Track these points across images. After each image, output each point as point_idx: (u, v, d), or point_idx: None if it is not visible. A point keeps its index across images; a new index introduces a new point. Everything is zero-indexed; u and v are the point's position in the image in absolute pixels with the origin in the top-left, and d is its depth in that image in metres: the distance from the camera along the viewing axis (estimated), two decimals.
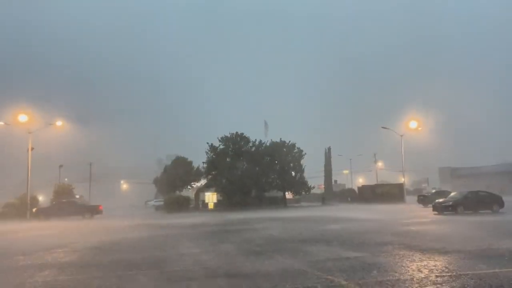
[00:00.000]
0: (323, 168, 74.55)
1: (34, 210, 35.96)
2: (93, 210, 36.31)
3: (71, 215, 34.48)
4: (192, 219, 29.47)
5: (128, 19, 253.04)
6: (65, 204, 37.22)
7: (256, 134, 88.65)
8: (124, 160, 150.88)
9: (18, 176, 73.07)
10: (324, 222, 22.22)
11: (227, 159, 49.74)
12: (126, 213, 45.88)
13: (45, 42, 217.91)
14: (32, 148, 41.28)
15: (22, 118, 41.73)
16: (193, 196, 54.70)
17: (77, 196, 62.13)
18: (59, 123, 45.18)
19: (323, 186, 76.56)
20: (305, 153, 52.61)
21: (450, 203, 27.15)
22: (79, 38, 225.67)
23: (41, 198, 52.62)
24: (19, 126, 42.76)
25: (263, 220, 25.32)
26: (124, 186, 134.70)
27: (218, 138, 51.11)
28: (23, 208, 37.64)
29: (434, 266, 8.16)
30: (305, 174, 53.29)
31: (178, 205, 45.47)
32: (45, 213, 34.66)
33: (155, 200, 70.72)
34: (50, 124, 44.71)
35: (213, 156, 50.21)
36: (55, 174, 71.70)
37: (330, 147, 74.12)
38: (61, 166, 73.04)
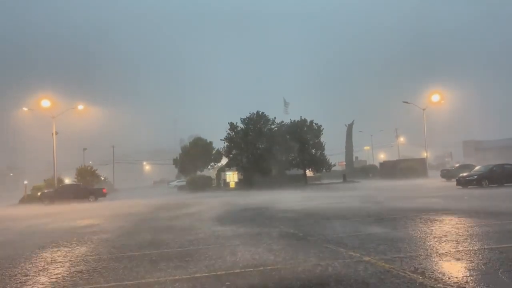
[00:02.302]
0: (344, 145, 73.99)
1: (38, 194, 35.74)
2: (97, 193, 36.20)
3: (75, 198, 34.43)
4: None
5: (152, 4, 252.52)
6: (69, 187, 37.24)
7: (277, 112, 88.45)
8: (147, 141, 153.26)
9: (46, 160, 75.41)
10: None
11: (248, 138, 49.80)
12: (140, 195, 46.50)
13: (67, 26, 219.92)
14: (57, 133, 42.25)
15: (45, 103, 42.66)
16: (215, 175, 55.29)
17: (102, 178, 63.64)
18: (80, 107, 45.93)
19: (344, 163, 76.10)
20: (323, 129, 52.18)
21: (475, 177, 26.65)
22: (102, 23, 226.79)
23: (67, 181, 54.01)
24: (43, 112, 43.76)
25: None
26: (147, 167, 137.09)
27: (240, 119, 51.00)
28: None
29: (458, 240, 8.07)
30: (326, 151, 53.00)
31: (201, 184, 46.09)
32: (49, 197, 34.45)
33: (177, 181, 71.81)
34: (72, 108, 45.54)
35: (233, 134, 50.29)
36: (80, 157, 73.58)
37: (350, 123, 73.29)
38: (85, 149, 74.74)
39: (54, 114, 42.58)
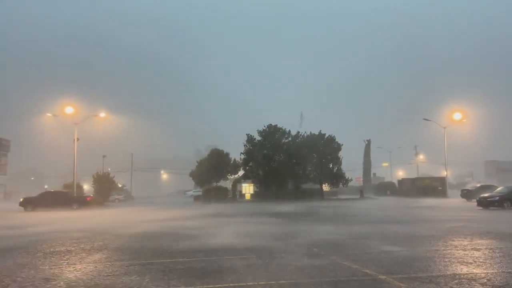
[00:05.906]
0: (362, 161, 73.34)
1: (21, 200, 34.83)
2: (80, 201, 34.83)
3: (58, 205, 33.10)
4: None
5: (173, 18, 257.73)
6: (52, 194, 36.43)
7: (294, 123, 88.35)
8: (165, 150, 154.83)
9: (66, 165, 76.72)
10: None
11: (264, 151, 49.95)
12: (147, 205, 46.63)
13: (93, 36, 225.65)
14: (78, 139, 43.05)
15: (69, 110, 43.59)
16: (230, 186, 55.30)
17: (120, 185, 64.45)
18: (102, 114, 46.78)
19: (361, 179, 75.28)
20: (343, 144, 51.91)
21: (497, 198, 25.99)
22: (126, 34, 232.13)
23: (85, 186, 54.87)
24: (66, 118, 44.72)
25: None
26: (164, 176, 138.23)
27: (257, 131, 51.37)
28: None
29: (477, 261, 7.87)
30: (343, 167, 52.57)
31: (216, 195, 46.06)
32: (32, 204, 33.35)
33: (193, 190, 72.06)
34: (94, 115, 46.43)
35: (250, 147, 50.66)
36: (99, 163, 74.69)
37: (370, 139, 72.78)
38: (104, 156, 75.83)
39: (77, 121, 43.47)
